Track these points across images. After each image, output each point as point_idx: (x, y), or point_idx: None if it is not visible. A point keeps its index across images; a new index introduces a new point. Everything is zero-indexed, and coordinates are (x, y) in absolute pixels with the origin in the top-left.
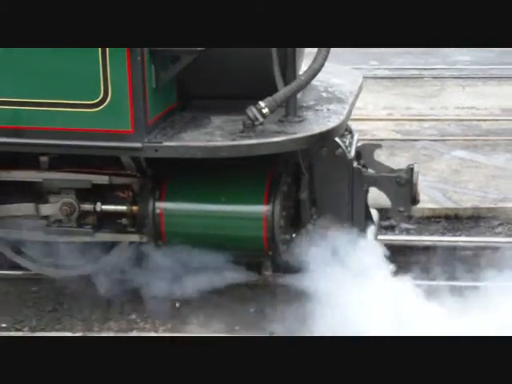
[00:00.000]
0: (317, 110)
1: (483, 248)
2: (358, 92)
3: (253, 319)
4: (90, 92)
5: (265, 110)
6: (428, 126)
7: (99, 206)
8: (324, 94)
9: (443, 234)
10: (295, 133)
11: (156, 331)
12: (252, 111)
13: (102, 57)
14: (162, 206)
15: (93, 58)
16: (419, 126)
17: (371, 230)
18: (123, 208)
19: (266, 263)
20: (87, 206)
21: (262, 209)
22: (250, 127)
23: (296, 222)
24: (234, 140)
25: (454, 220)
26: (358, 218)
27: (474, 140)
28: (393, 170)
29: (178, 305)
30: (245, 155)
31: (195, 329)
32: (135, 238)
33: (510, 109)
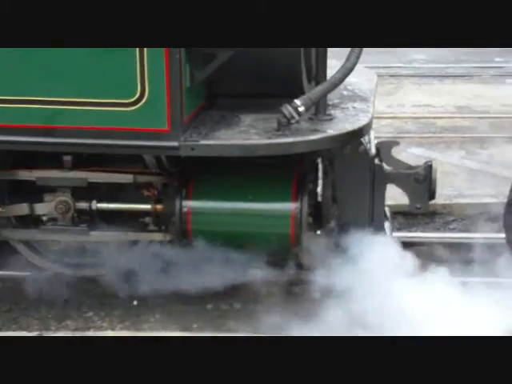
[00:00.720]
0: (343, 108)
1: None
2: (376, 90)
3: (211, 317)
4: (126, 90)
5: (301, 109)
6: (385, 124)
7: (94, 205)
8: (345, 93)
9: (399, 230)
10: (329, 131)
11: (113, 329)
12: (288, 109)
13: (140, 55)
14: (189, 204)
15: (130, 56)
16: (376, 124)
17: (387, 226)
18: (147, 207)
19: (289, 261)
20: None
21: (290, 206)
22: (286, 125)
23: (317, 219)
24: (270, 138)
25: (409, 216)
26: (379, 215)
27: (430, 137)
28: (411, 167)
29: (135, 303)
30: (282, 153)
31: (153, 326)
32: (158, 236)
33: (465, 106)
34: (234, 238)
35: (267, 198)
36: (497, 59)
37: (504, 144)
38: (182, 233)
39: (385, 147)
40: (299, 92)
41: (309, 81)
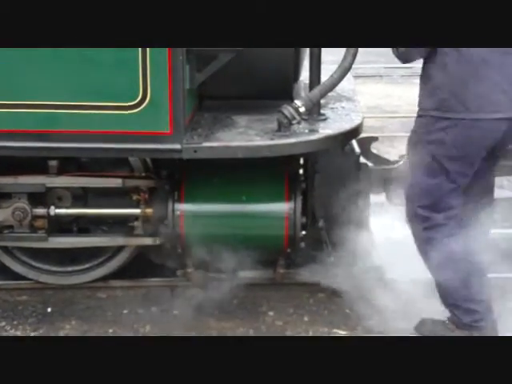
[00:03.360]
0: (332, 108)
1: None
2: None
3: (128, 321)
4: (127, 93)
5: (301, 109)
6: None
7: (53, 210)
8: (329, 93)
9: None
10: (328, 130)
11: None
12: (289, 110)
13: (142, 58)
14: (182, 207)
15: (132, 58)
16: None
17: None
18: (136, 211)
19: (280, 261)
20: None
21: (284, 207)
22: (287, 126)
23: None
24: (272, 139)
25: None
26: (364, 212)
27: None
28: (391, 162)
29: (49, 310)
30: (285, 154)
31: (69, 333)
32: (148, 241)
33: (375, 106)
34: (227, 240)
35: (260, 199)
36: None
37: None
38: (175, 236)
39: (364, 144)
40: (288, 93)
41: (295, 80)
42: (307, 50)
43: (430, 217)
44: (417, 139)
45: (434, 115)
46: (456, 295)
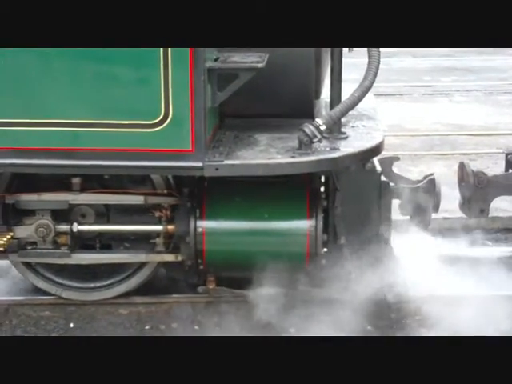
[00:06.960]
0: (353, 126)
1: None
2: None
3: None
4: (150, 112)
5: (322, 127)
6: None
7: (76, 227)
8: (350, 112)
9: None
10: (349, 149)
11: None
12: (310, 128)
13: (165, 77)
14: (203, 224)
15: (155, 78)
16: None
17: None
18: (158, 228)
19: (301, 278)
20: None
21: (305, 224)
22: (308, 144)
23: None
24: (293, 157)
25: None
26: (386, 231)
27: None
28: (413, 182)
29: (71, 325)
30: (307, 172)
31: None
32: (170, 257)
33: (397, 124)
34: (248, 257)
35: (282, 217)
36: (425, 78)
37: (434, 161)
38: (196, 253)
39: (386, 163)
40: (309, 111)
41: (316, 98)
42: (328, 69)
43: None
44: None
45: None
46: None
